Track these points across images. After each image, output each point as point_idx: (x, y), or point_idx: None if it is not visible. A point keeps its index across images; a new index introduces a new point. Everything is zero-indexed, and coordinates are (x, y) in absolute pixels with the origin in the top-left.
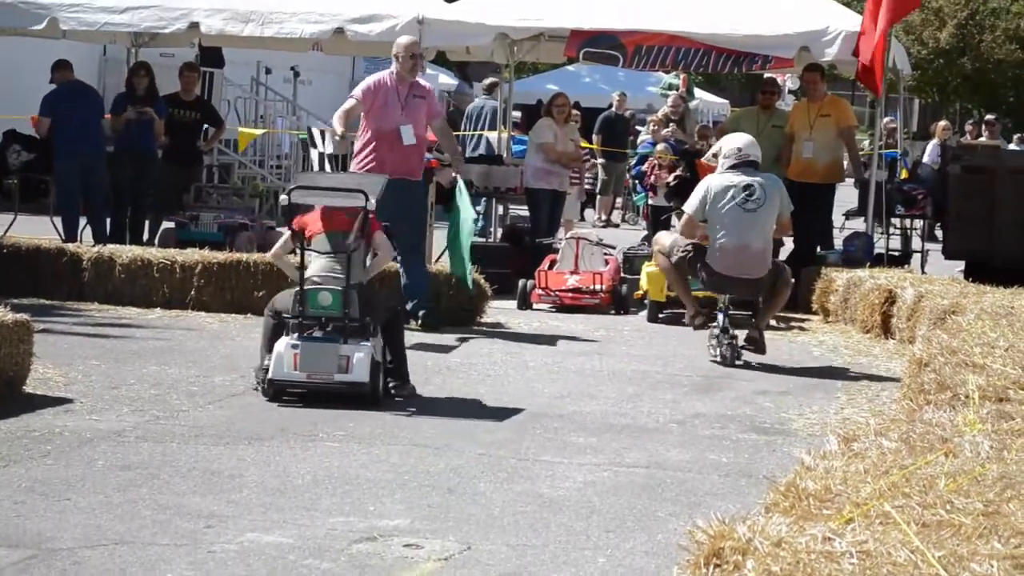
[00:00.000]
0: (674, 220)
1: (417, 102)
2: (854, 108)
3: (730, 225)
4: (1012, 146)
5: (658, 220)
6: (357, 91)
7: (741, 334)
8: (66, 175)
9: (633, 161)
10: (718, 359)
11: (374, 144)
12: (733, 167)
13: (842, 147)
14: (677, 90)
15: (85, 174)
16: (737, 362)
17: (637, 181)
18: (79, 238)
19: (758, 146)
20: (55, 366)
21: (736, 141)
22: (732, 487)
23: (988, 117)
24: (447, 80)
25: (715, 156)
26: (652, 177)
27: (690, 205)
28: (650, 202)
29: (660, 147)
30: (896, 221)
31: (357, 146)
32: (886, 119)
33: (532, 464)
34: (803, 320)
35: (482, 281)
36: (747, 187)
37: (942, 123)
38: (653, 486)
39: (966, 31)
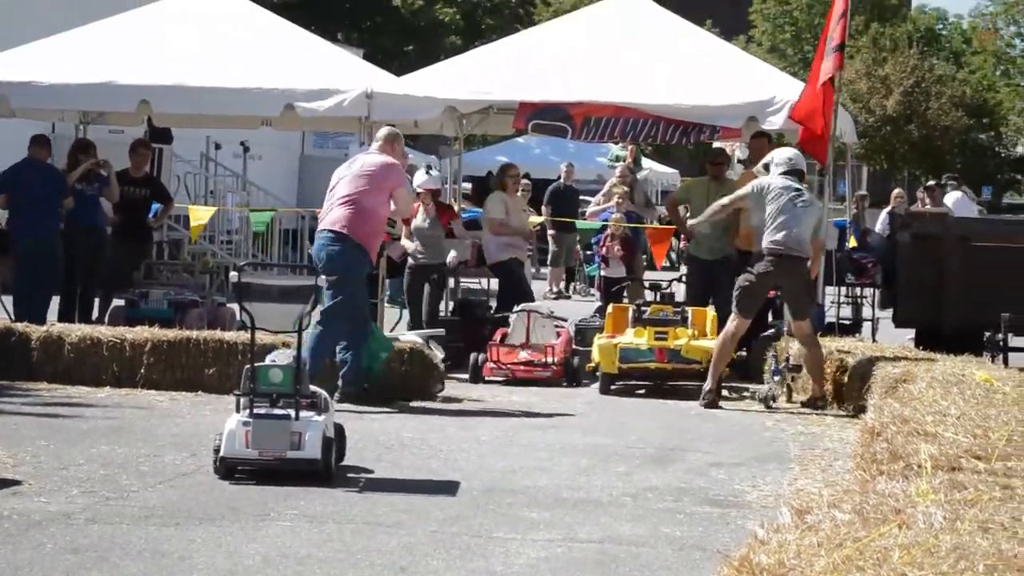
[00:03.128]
0: (626, 292)
1: None
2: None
3: (784, 214)
4: (947, 199)
5: (610, 291)
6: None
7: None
8: (19, 253)
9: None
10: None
11: None
12: (785, 173)
13: None
14: (624, 161)
15: (40, 254)
16: (772, 404)
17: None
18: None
19: (803, 159)
20: (3, 447)
21: (787, 152)
22: (686, 561)
23: (929, 183)
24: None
25: (765, 167)
26: (604, 248)
27: (743, 192)
28: (603, 273)
29: (615, 216)
30: (846, 289)
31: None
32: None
33: (485, 541)
34: (756, 390)
35: (435, 355)
36: (798, 190)
37: (896, 191)
38: (607, 561)
39: (912, 98)
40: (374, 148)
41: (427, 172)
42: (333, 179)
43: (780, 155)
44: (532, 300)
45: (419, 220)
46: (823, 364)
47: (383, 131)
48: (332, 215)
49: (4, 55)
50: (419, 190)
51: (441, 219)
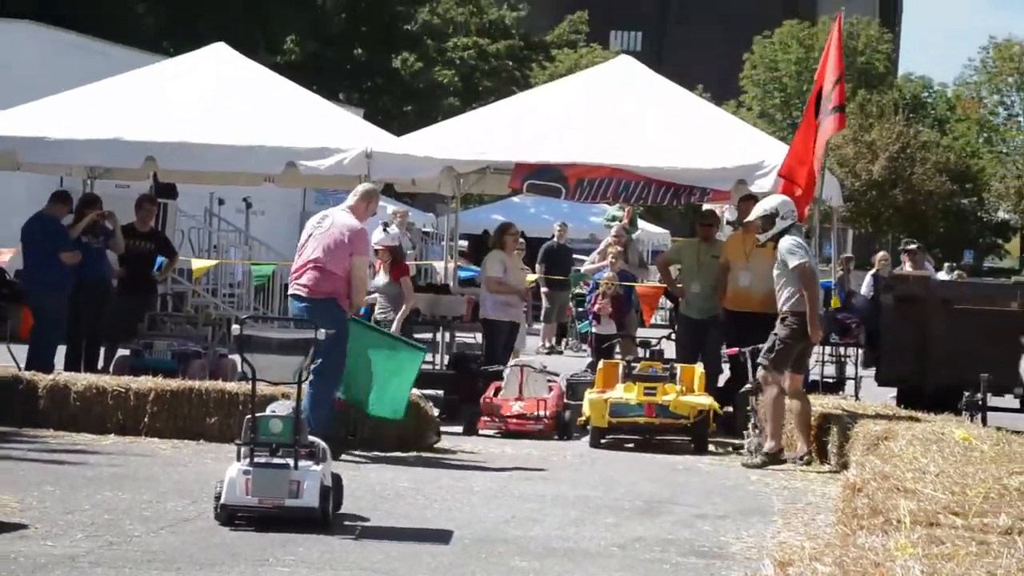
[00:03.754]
0: (617, 348)
1: None
2: None
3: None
4: (942, 275)
5: (601, 348)
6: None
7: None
8: (38, 305)
9: (588, 288)
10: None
11: None
12: (797, 227)
13: None
14: (620, 221)
15: (47, 306)
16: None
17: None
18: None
19: None
20: (10, 492)
21: (789, 202)
22: None
23: (910, 246)
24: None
25: (768, 219)
26: (596, 306)
27: (805, 260)
28: (594, 330)
29: (607, 275)
30: (830, 348)
31: None
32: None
33: None
34: (741, 445)
35: (430, 408)
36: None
37: (881, 253)
38: None
39: (898, 163)
40: (348, 204)
41: (384, 230)
42: (304, 232)
43: (787, 207)
44: (499, 363)
45: (380, 278)
46: (810, 419)
47: (360, 188)
48: (303, 279)
49: (13, 111)
50: (378, 247)
51: (392, 273)
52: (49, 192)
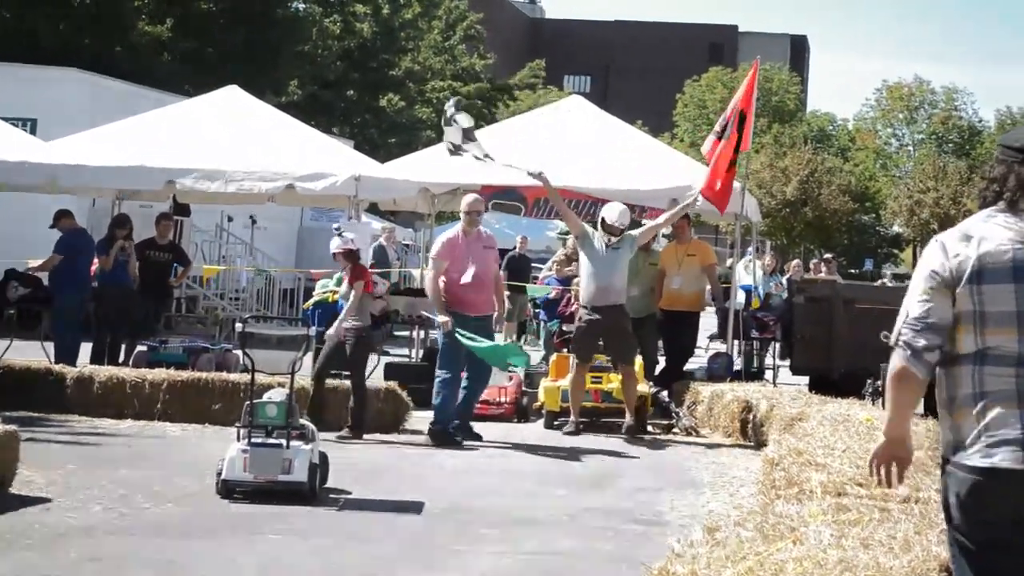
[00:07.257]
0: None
1: (485, 251)
2: (715, 249)
3: (596, 267)
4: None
5: (554, 340)
6: (436, 252)
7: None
8: (68, 307)
9: (543, 295)
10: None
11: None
12: (602, 228)
13: (705, 281)
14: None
15: (80, 307)
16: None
17: (542, 309)
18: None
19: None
20: (37, 470)
21: (606, 210)
22: (614, 572)
23: (826, 256)
24: (378, 225)
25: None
26: (572, 307)
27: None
28: (565, 327)
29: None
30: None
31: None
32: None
33: (445, 553)
34: (673, 426)
35: (405, 395)
36: (614, 246)
37: (794, 262)
38: (548, 571)
39: (808, 185)
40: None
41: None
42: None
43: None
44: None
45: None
46: (635, 396)
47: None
48: None
49: (57, 142)
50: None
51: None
52: (83, 210)
